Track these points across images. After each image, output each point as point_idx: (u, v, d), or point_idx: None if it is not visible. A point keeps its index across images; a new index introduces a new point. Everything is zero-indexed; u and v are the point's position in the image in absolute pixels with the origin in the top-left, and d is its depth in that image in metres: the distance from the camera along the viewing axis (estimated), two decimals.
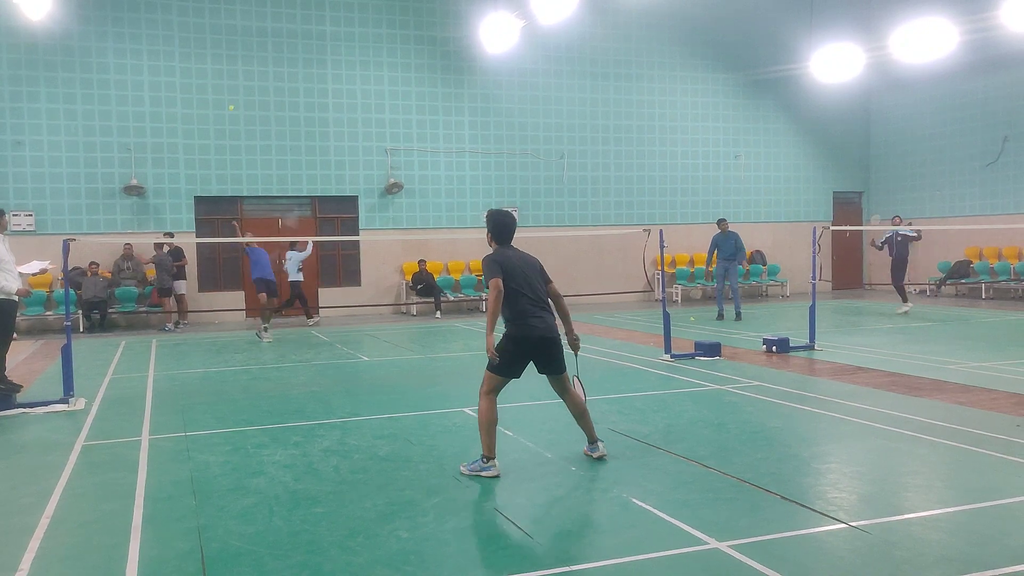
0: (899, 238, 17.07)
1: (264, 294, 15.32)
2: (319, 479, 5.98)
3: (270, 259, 15.61)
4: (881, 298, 21.62)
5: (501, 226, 6.15)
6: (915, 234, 17.44)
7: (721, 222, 17.24)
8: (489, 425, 5.97)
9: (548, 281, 6.24)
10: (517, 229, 6.32)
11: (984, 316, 16.59)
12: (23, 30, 17.43)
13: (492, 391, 6.04)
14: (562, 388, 6.26)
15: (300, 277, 17.67)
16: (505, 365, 5.96)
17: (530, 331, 5.96)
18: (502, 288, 5.86)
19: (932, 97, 23.00)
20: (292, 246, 17.35)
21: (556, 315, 6.18)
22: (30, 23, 17.14)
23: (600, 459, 6.32)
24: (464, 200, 21.00)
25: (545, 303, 6.10)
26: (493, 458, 5.97)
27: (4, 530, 5.07)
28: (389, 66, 20.31)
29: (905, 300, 17.30)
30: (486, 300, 6.18)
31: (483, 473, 5.92)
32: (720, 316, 16.82)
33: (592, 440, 6.40)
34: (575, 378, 6.52)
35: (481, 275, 20.87)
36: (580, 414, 6.34)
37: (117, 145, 18.31)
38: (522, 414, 7.87)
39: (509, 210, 6.42)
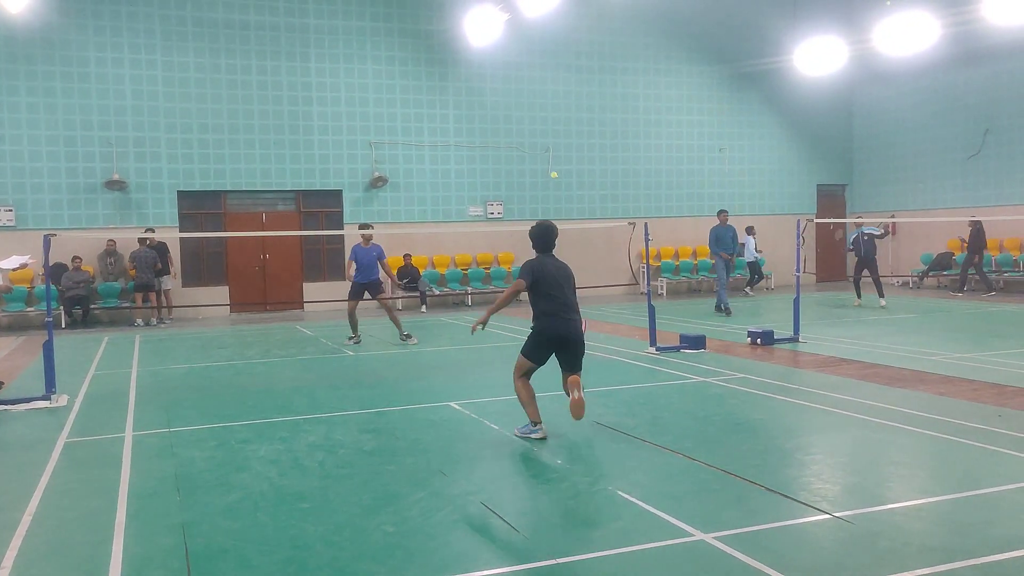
0: (865, 237, 17.16)
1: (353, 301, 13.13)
2: (304, 474, 5.96)
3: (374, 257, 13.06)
4: (865, 290, 21.72)
5: (537, 236, 7.05)
6: (880, 231, 17.53)
7: (721, 213, 16.71)
8: (528, 400, 6.81)
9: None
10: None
11: (966, 308, 16.72)
12: (1, 23, 17.21)
13: (523, 375, 6.89)
14: (569, 382, 6.73)
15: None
16: (531, 351, 6.85)
17: (551, 329, 6.81)
18: (522, 288, 6.81)
19: (914, 90, 23.14)
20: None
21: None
22: (8, 16, 16.94)
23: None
24: (449, 194, 20.95)
25: (573, 307, 6.89)
26: (539, 423, 6.76)
27: None
28: (373, 59, 20.22)
29: (882, 294, 17.00)
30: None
31: (532, 435, 6.71)
32: (727, 312, 15.96)
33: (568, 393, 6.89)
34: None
35: (466, 269, 20.89)
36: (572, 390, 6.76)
37: (98, 139, 18.14)
38: (509, 408, 7.87)
39: (551, 222, 7.20)
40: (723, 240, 16.35)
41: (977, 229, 19.41)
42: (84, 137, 18.05)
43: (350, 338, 13.26)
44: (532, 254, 7.12)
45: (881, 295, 16.98)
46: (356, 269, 12.92)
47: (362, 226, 13.48)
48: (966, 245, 20.03)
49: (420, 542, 4.61)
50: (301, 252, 20.03)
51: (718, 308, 16.28)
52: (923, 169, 23.11)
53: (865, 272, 17.06)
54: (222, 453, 6.62)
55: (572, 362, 6.85)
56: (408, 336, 13.17)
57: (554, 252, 7.04)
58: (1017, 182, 20.74)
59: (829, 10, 23.08)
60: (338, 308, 19.48)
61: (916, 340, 11.91)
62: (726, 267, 16.50)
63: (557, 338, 6.79)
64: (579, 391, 6.61)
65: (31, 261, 9.51)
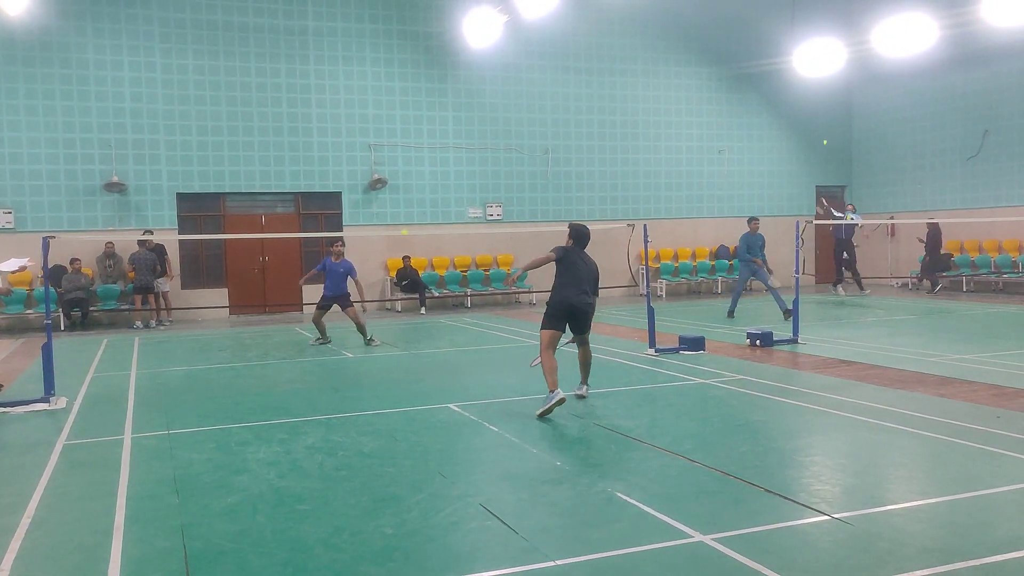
0: (843, 235, 18.32)
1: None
2: (303, 476, 5.96)
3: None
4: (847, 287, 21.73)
5: (579, 235, 8.21)
6: (846, 217, 18.87)
7: (752, 221, 16.31)
8: (550, 370, 7.65)
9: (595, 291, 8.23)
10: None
11: (965, 309, 16.73)
12: (0, 25, 17.22)
13: (547, 347, 7.81)
14: (581, 342, 8.31)
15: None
16: (549, 320, 7.94)
17: (562, 298, 7.94)
18: (552, 259, 7.98)
19: (913, 91, 23.15)
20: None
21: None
22: (7, 18, 16.94)
23: (580, 397, 8.22)
24: (448, 196, 20.96)
25: (586, 289, 8.01)
26: (556, 389, 7.50)
27: None
28: (372, 61, 20.23)
29: (835, 285, 19.20)
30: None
31: (550, 402, 7.42)
32: (731, 314, 15.82)
33: (582, 382, 8.43)
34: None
35: (466, 271, 20.90)
36: (584, 363, 8.39)
37: (97, 141, 18.14)
38: (508, 408, 7.88)
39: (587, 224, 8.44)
40: (754, 248, 15.94)
41: (935, 231, 20.22)
42: (83, 139, 18.06)
43: (317, 339, 13.47)
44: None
45: (835, 285, 19.52)
46: (326, 281, 13.29)
47: (334, 241, 13.85)
48: (923, 245, 20.92)
49: (419, 544, 4.61)
50: (300, 254, 20.03)
51: (731, 314, 15.82)
52: (922, 170, 23.12)
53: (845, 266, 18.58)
54: (221, 455, 6.62)
55: (581, 327, 8.09)
56: (372, 340, 13.29)
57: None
58: (1016, 183, 20.75)
59: (828, 11, 23.10)
60: (337, 310, 19.46)
61: (915, 341, 11.90)
62: (755, 273, 15.89)
63: (568, 307, 7.88)
64: (586, 347, 8.30)
65: (30, 263, 9.50)
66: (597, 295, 8.25)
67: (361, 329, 13.33)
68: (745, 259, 16.01)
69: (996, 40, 19.85)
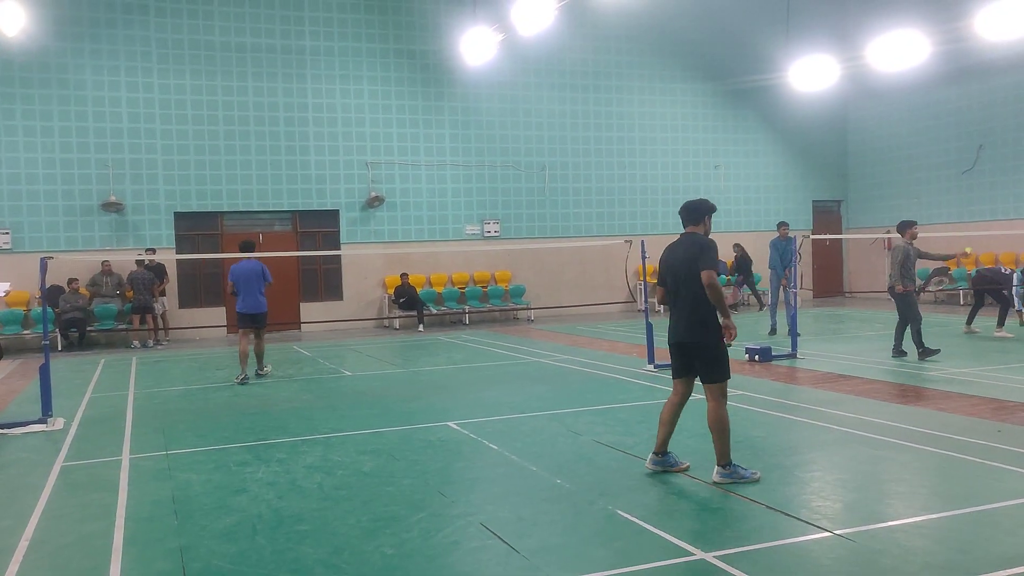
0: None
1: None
2: (303, 496, 5.93)
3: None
4: (861, 306, 21.78)
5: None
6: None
7: (782, 226, 15.85)
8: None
9: None
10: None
11: (963, 322, 16.71)
12: None
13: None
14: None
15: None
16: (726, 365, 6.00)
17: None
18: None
19: (908, 106, 23.28)
20: None
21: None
22: (4, 39, 16.99)
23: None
24: (446, 213, 20.99)
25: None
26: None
27: None
28: (369, 80, 20.31)
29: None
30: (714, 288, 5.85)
31: (747, 476, 5.85)
32: (773, 331, 15.32)
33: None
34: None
35: (464, 288, 20.87)
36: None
37: (95, 161, 18.17)
38: (507, 427, 7.85)
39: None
40: (771, 255, 15.41)
41: (742, 254, 21.49)
42: (81, 159, 18.08)
43: None
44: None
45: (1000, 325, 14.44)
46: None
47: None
48: (731, 266, 22.09)
49: (420, 564, 4.58)
50: (298, 272, 20.03)
51: (772, 331, 15.26)
52: (917, 184, 23.22)
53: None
54: (220, 476, 6.59)
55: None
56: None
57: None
58: (1012, 196, 20.85)
59: (822, 28, 23.24)
60: (336, 328, 19.51)
61: (913, 355, 11.90)
62: (780, 284, 15.39)
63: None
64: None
65: (9, 288, 9.54)
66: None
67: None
68: (779, 270, 15.31)
69: (990, 55, 20.00)
